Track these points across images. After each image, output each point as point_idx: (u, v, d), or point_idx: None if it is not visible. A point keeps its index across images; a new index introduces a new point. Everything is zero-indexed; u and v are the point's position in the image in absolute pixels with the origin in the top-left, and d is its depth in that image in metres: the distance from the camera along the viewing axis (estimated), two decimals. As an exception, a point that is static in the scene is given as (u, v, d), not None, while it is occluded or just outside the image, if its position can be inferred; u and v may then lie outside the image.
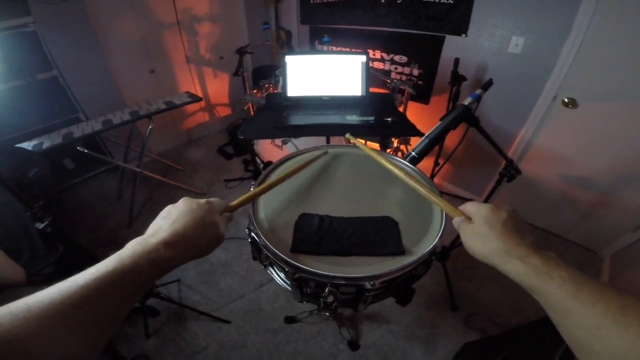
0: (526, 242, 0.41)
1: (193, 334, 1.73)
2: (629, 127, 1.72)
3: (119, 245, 0.41)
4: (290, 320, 1.76)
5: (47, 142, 1.93)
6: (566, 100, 1.85)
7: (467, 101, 0.93)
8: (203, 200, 0.49)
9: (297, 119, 1.45)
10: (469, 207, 0.51)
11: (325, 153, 0.94)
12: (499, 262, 0.42)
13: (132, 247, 0.38)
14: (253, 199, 0.61)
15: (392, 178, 0.89)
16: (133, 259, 0.36)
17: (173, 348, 1.67)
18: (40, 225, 1.16)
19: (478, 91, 0.96)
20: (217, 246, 0.48)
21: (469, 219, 0.49)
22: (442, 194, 0.83)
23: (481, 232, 0.45)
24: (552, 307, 0.35)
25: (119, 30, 2.65)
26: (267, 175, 0.91)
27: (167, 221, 0.44)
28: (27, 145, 1.91)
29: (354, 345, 1.63)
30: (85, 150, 2.06)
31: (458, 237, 0.57)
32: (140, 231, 0.41)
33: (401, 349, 1.66)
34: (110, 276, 0.33)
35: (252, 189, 0.63)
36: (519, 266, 0.39)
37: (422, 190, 0.61)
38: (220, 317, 1.78)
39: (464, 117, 0.92)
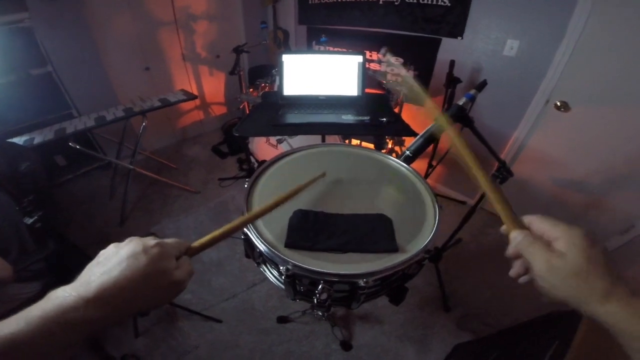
0: (620, 279, 0.35)
1: (184, 333, 1.71)
2: (619, 131, 1.75)
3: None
4: (282, 320, 1.75)
5: (38, 138, 1.90)
6: (558, 103, 1.87)
7: (461, 101, 0.94)
8: (152, 242, 0.39)
9: (293, 118, 1.45)
10: (544, 226, 0.40)
11: (324, 175, 0.86)
12: (594, 304, 0.34)
13: (44, 304, 0.31)
14: (220, 240, 0.48)
15: (387, 176, 0.89)
16: (42, 320, 0.29)
17: (164, 347, 1.65)
18: (30, 220, 1.14)
19: (472, 91, 0.97)
20: (173, 296, 0.40)
21: (540, 238, 0.40)
22: (436, 196, 0.83)
23: (583, 269, 0.35)
24: None
25: (115, 27, 2.63)
26: (261, 173, 0.91)
27: (100, 269, 0.35)
28: (18, 140, 1.88)
29: (346, 345, 1.63)
30: (77, 147, 2.03)
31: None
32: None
33: (394, 349, 1.66)
34: (10, 341, 0.27)
35: (222, 228, 0.49)
36: (619, 309, 0.33)
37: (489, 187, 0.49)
38: (212, 316, 1.76)
39: (458, 116, 0.93)
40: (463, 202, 2.64)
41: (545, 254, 0.38)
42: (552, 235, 0.39)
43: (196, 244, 0.46)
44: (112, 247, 0.39)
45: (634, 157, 1.75)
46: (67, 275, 0.36)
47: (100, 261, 0.37)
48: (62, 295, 0.31)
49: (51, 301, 0.31)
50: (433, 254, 1.85)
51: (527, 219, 0.43)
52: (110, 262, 0.36)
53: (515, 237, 0.41)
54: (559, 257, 0.37)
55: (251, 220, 0.61)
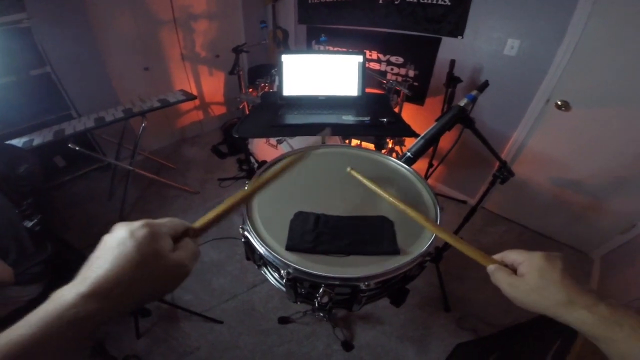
0: (586, 289, 0.40)
1: (185, 334, 1.71)
2: (620, 131, 1.74)
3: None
4: (283, 320, 1.75)
5: (37, 139, 1.89)
6: (559, 103, 1.87)
7: (462, 102, 0.93)
8: (139, 224, 0.36)
9: (293, 118, 1.44)
10: (512, 256, 0.48)
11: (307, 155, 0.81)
12: (562, 313, 0.40)
13: (46, 305, 0.30)
14: (223, 217, 0.47)
15: (387, 178, 0.89)
16: (45, 320, 0.29)
17: (164, 348, 1.65)
18: (29, 224, 1.13)
19: (474, 92, 0.96)
20: (179, 280, 0.37)
21: (506, 266, 0.47)
22: (437, 195, 0.83)
23: (539, 285, 0.42)
24: (620, 354, 0.35)
25: (115, 26, 2.61)
26: (261, 175, 0.91)
27: (94, 262, 0.34)
28: (17, 142, 1.87)
29: (347, 345, 1.63)
30: (77, 148, 2.03)
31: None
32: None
33: (394, 349, 1.66)
34: (19, 345, 0.27)
35: (223, 204, 0.49)
36: (585, 316, 0.38)
37: (453, 241, 0.55)
38: (213, 317, 1.76)
39: (459, 118, 0.92)
40: (464, 202, 2.64)
41: (508, 277, 0.46)
42: (517, 261, 0.46)
43: (198, 223, 0.43)
44: (105, 238, 0.37)
45: (635, 157, 1.75)
46: (67, 277, 0.36)
47: (96, 255, 0.35)
48: (62, 294, 0.31)
49: (53, 301, 0.31)
50: (434, 255, 1.84)
51: (499, 255, 0.50)
52: (103, 255, 0.34)
53: (488, 269, 0.49)
54: (519, 278, 0.44)
55: (250, 195, 0.56)
